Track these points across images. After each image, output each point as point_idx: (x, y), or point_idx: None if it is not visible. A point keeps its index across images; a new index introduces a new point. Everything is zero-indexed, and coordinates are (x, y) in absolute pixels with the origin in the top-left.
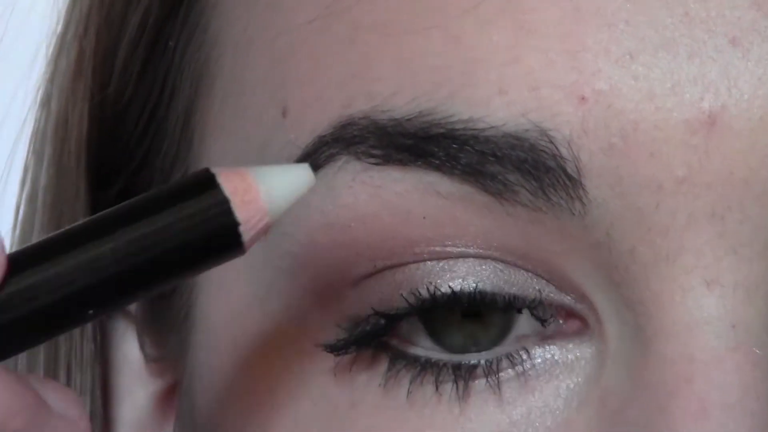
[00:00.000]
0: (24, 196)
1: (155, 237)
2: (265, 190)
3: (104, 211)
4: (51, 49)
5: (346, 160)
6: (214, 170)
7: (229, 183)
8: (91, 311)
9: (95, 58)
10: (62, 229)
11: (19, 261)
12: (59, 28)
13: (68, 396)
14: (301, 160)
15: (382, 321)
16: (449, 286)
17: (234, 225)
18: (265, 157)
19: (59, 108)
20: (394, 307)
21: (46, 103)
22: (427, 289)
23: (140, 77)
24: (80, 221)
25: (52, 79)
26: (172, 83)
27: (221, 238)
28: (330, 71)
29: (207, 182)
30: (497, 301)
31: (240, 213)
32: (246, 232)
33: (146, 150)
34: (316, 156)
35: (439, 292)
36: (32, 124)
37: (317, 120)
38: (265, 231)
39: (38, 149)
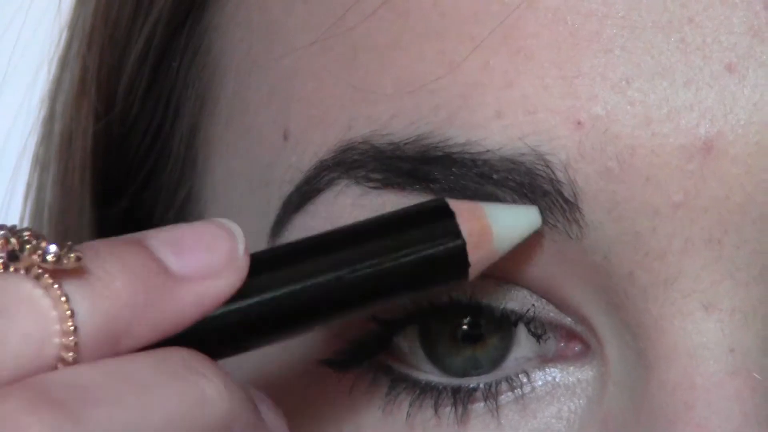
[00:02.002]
0: (28, 212)
1: (393, 255)
2: (496, 231)
3: (342, 226)
4: (54, 66)
5: (347, 184)
6: (452, 206)
7: (466, 224)
8: (323, 316)
9: (99, 76)
10: (304, 238)
11: (259, 262)
12: (62, 45)
13: (279, 413)
14: (302, 183)
15: (380, 328)
16: (448, 295)
17: (465, 266)
18: (269, 179)
19: (63, 125)
20: (393, 314)
21: (49, 120)
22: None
23: (145, 96)
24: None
25: (55, 96)
26: (176, 103)
27: (452, 274)
28: (330, 94)
29: (446, 221)
30: (494, 313)
31: (472, 255)
32: (473, 269)
33: (151, 168)
34: (317, 180)
35: (437, 299)
36: (36, 141)
37: (318, 143)
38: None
39: (43, 166)
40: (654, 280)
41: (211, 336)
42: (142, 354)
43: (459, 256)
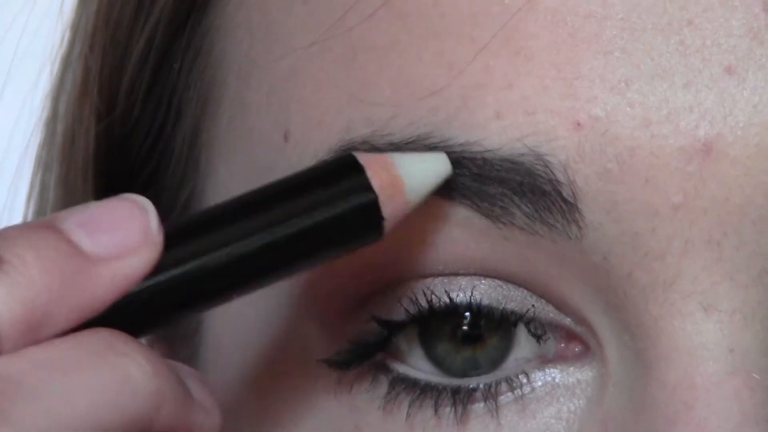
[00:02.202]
0: (31, 213)
1: (305, 216)
2: (408, 182)
3: (250, 191)
4: (56, 67)
5: None
6: (361, 160)
7: (376, 177)
8: (241, 285)
9: (101, 77)
10: (211, 206)
11: (172, 234)
12: (64, 45)
13: (206, 384)
14: None
15: (381, 329)
16: (448, 296)
17: (380, 219)
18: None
19: (66, 126)
20: (393, 316)
21: (52, 120)
22: (425, 297)
23: (147, 97)
24: (228, 199)
25: (58, 97)
26: (178, 104)
27: (366, 231)
28: (330, 95)
29: (356, 176)
30: (494, 314)
31: (385, 208)
32: (387, 223)
33: (153, 169)
34: None
35: (437, 302)
36: (38, 142)
37: (318, 144)
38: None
39: (45, 167)
40: (653, 281)
41: (132, 313)
42: (63, 339)
43: (372, 211)
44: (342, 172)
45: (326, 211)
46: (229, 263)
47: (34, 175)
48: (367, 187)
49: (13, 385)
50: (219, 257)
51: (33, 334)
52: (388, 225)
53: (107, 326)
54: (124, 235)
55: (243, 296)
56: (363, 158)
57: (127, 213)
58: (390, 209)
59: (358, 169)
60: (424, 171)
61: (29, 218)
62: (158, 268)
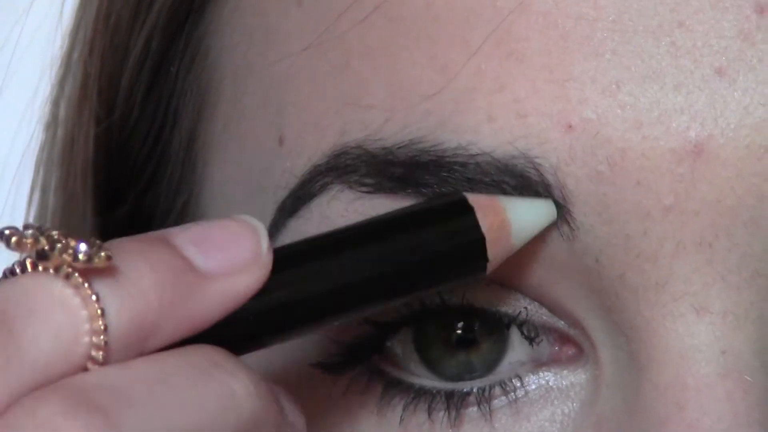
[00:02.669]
0: (32, 217)
1: (414, 252)
2: (514, 225)
3: (361, 221)
4: (55, 72)
5: (340, 189)
6: (471, 201)
7: (486, 219)
8: (344, 312)
9: (100, 82)
10: (323, 233)
11: (280, 258)
12: (64, 50)
13: (299, 408)
14: (297, 188)
15: (374, 331)
16: (440, 298)
17: (484, 261)
18: (265, 184)
19: (65, 130)
20: (386, 318)
21: (51, 125)
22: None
23: (144, 101)
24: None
25: (57, 101)
26: (175, 108)
27: (470, 270)
28: (324, 99)
29: (466, 217)
30: (486, 316)
31: (491, 250)
32: (491, 264)
33: (152, 173)
34: (311, 184)
35: (430, 303)
36: (38, 146)
37: (312, 148)
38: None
39: (45, 172)
40: (646, 283)
41: (235, 332)
42: (171, 353)
43: (479, 252)
44: (453, 210)
45: (436, 247)
46: (333, 291)
47: (35, 178)
48: (477, 229)
49: (123, 395)
50: (324, 284)
51: (141, 345)
52: (491, 266)
53: (212, 342)
54: (235, 254)
55: (341, 322)
56: (473, 199)
57: (238, 232)
58: (495, 251)
59: (468, 210)
60: (531, 216)
61: (30, 220)
62: (264, 289)
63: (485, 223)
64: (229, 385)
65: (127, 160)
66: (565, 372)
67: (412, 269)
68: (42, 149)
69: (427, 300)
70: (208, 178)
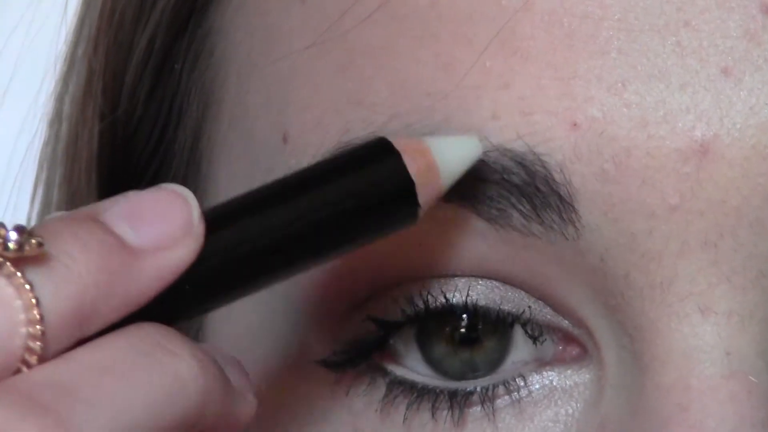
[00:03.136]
0: (35, 213)
1: (343, 202)
2: (442, 167)
3: (285, 176)
4: (60, 68)
5: None
6: (397, 145)
7: (413, 163)
8: (278, 271)
9: (105, 78)
10: (247, 192)
11: (210, 223)
12: (68, 46)
13: (243, 369)
14: None
15: (378, 329)
16: (444, 297)
17: (415, 206)
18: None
19: (69, 127)
20: (389, 316)
21: (55, 121)
22: (422, 297)
23: (149, 98)
24: (264, 184)
25: (61, 98)
26: (179, 105)
27: (402, 216)
28: (328, 96)
29: (392, 161)
30: (490, 315)
31: (421, 195)
32: (421, 211)
33: (156, 170)
34: None
35: (433, 302)
36: (42, 142)
37: (316, 146)
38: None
39: (49, 167)
40: (650, 282)
41: (173, 303)
42: (112, 338)
43: (409, 197)
44: (377, 156)
45: (365, 197)
46: (264, 250)
47: (38, 174)
48: (405, 174)
49: (70, 391)
50: (255, 244)
51: (79, 330)
52: (422, 210)
53: (151, 318)
54: (167, 227)
55: (281, 282)
56: (399, 143)
57: (169, 203)
58: (425, 196)
59: (393, 154)
60: (457, 155)
61: (34, 218)
62: (198, 257)
63: (413, 167)
64: (174, 367)
65: (131, 157)
66: (568, 372)
67: (343, 219)
68: (46, 145)
69: (430, 299)
70: (213, 175)
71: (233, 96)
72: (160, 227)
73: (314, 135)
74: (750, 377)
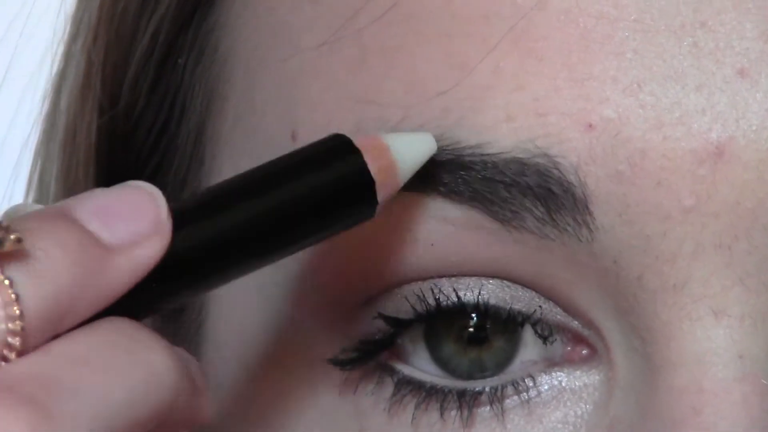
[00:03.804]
0: None
1: (305, 200)
2: (400, 165)
3: (247, 171)
4: (58, 59)
5: None
6: (357, 142)
7: (374, 162)
8: (240, 266)
9: (104, 71)
10: (211, 187)
11: (177, 218)
12: (67, 38)
13: (203, 372)
14: None
15: (387, 327)
16: (456, 294)
17: (374, 204)
18: None
19: (68, 120)
20: (400, 313)
21: (53, 114)
22: (433, 294)
23: (151, 92)
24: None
25: (59, 90)
26: (182, 100)
27: (360, 213)
28: (339, 96)
29: (353, 160)
30: (500, 314)
31: (380, 193)
32: (378, 208)
33: (157, 164)
34: None
35: (444, 300)
36: (38, 135)
37: None
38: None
39: (45, 160)
40: (664, 285)
41: (142, 298)
42: (88, 331)
43: (369, 196)
44: (339, 154)
45: (327, 195)
46: (230, 244)
47: (33, 168)
48: (366, 173)
49: (53, 382)
50: (219, 239)
51: (56, 326)
52: (379, 207)
53: (121, 312)
54: (138, 225)
55: (247, 274)
56: (359, 141)
57: (138, 201)
58: (384, 193)
59: (354, 152)
60: (414, 152)
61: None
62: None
63: (374, 166)
64: (149, 360)
65: (132, 152)
66: (578, 372)
67: (304, 218)
68: (42, 138)
69: (441, 297)
70: (216, 171)
71: (239, 92)
72: (132, 225)
73: (324, 133)
74: (762, 380)
